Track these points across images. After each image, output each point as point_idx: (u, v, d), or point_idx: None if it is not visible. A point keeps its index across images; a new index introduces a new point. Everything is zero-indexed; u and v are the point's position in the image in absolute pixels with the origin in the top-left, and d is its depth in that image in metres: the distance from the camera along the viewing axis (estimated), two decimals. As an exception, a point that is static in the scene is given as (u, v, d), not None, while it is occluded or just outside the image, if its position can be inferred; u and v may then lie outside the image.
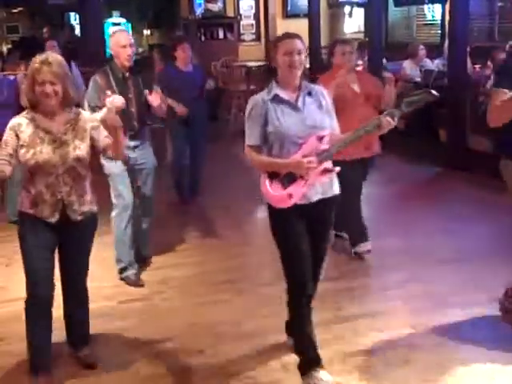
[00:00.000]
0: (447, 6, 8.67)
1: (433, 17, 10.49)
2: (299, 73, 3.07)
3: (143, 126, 4.53)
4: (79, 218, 3.26)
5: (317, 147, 3.06)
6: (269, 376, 3.35)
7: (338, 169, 3.09)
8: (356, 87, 4.63)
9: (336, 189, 3.25)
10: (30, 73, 3.12)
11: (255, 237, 5.65)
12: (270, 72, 3.14)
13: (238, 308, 4.15)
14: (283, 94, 3.10)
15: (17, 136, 3.12)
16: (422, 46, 8.73)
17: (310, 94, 3.15)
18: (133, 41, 4.52)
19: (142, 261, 4.79)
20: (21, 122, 3.16)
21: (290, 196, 3.07)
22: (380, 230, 4.71)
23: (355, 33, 11.90)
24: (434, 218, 5.72)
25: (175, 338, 3.78)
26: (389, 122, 3.04)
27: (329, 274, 4.60)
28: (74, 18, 14.34)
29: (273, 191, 3.08)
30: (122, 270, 4.55)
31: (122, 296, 4.34)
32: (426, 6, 10.52)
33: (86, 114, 3.37)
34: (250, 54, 11.53)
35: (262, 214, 6.34)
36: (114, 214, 4.50)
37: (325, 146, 3.08)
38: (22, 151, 3.12)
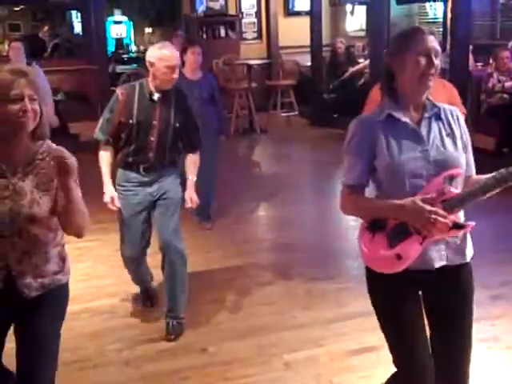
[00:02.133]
0: (449, 4, 8.67)
1: (435, 15, 10.46)
2: (432, 84, 2.21)
3: (162, 163, 3.72)
4: (34, 294, 2.31)
5: (444, 191, 2.21)
6: (271, 374, 3.36)
7: (472, 224, 2.27)
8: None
9: (470, 253, 2.35)
10: None
11: (256, 235, 5.66)
12: (387, 80, 2.28)
13: (239, 306, 4.16)
14: (400, 115, 2.24)
15: None
16: None
17: (438, 116, 2.29)
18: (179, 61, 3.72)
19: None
20: None
21: (399, 257, 2.22)
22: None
23: (357, 31, 11.90)
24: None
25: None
26: None
27: (329, 272, 4.65)
28: (76, 16, 14.35)
29: (371, 249, 2.27)
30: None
31: (124, 293, 4.34)
32: (427, 4, 10.50)
33: (64, 152, 2.28)
34: (252, 52, 11.53)
35: (262, 212, 6.37)
36: (120, 252, 3.99)
37: (455, 190, 2.22)
38: None
